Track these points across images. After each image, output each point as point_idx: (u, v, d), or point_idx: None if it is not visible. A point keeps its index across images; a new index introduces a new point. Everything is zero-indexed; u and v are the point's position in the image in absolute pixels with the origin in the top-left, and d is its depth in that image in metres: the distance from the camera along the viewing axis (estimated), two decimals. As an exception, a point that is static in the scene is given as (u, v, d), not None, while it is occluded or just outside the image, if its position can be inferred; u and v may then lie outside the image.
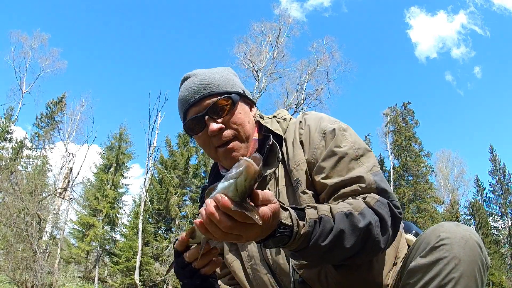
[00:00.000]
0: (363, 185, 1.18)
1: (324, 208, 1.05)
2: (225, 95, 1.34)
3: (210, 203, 0.81)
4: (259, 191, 0.86)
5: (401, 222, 1.25)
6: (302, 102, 24.68)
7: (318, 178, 1.27)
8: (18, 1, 45.65)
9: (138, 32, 55.05)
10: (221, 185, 0.83)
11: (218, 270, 1.53)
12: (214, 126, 1.31)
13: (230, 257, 1.48)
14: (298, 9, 43.29)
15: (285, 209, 0.97)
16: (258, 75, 24.23)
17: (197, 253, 1.05)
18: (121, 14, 54.04)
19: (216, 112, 1.33)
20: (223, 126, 1.33)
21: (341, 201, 1.17)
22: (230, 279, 1.53)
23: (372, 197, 1.13)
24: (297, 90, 25.14)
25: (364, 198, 1.13)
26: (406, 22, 53.63)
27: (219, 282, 1.52)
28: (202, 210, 0.83)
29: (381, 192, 1.17)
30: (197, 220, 0.86)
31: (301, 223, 0.98)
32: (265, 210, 0.85)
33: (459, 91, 52.74)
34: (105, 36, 54.21)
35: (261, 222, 0.84)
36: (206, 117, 1.32)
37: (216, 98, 1.33)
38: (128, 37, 54.75)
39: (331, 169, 1.25)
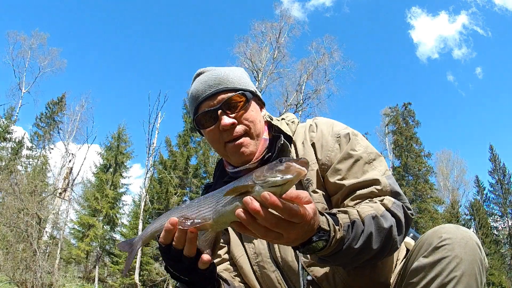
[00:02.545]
0: (378, 187, 1.23)
1: (354, 212, 1.09)
2: (240, 92, 1.36)
3: (251, 201, 0.80)
4: (294, 191, 0.87)
5: None
6: (302, 102, 24.70)
7: (333, 179, 1.31)
8: (16, 0, 45.72)
9: (138, 32, 55.16)
10: (261, 189, 0.82)
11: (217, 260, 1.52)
12: (226, 120, 1.33)
13: (237, 252, 1.48)
14: (300, 9, 43.45)
15: (321, 214, 1.00)
16: (258, 75, 24.24)
17: (184, 236, 0.96)
18: (121, 14, 54.13)
19: (230, 108, 1.35)
20: (235, 121, 1.34)
21: (358, 202, 1.22)
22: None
23: (389, 200, 1.18)
24: (296, 90, 25.15)
25: (381, 201, 1.18)
26: (407, 23, 53.77)
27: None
28: (239, 211, 0.82)
29: (395, 194, 1.23)
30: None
31: (336, 228, 1.01)
32: (307, 209, 0.87)
33: (461, 92, 52.91)
34: (105, 36, 54.29)
35: (311, 213, 0.87)
36: (219, 111, 1.34)
37: (230, 94, 1.35)
38: (128, 37, 54.85)
39: (347, 171, 1.29)
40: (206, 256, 1.00)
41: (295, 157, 1.39)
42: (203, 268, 1.03)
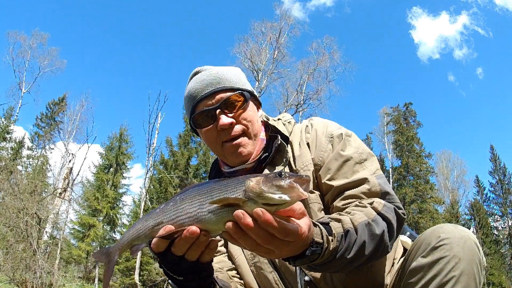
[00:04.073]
0: (367, 186, 1.22)
1: (347, 220, 1.07)
2: (238, 91, 1.36)
3: (243, 216, 0.76)
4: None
5: None
6: (302, 102, 24.68)
7: (324, 179, 1.30)
8: (16, 0, 45.71)
9: (138, 32, 55.13)
10: (254, 205, 0.76)
11: None
12: (225, 120, 1.32)
13: (235, 251, 1.47)
14: (301, 9, 43.43)
15: (315, 225, 0.97)
16: (258, 75, 24.22)
17: (187, 244, 0.88)
18: (121, 14, 54.11)
19: (228, 107, 1.34)
20: (234, 121, 1.33)
21: (348, 203, 1.20)
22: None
23: (379, 202, 1.16)
24: (297, 91, 25.13)
25: (371, 203, 1.16)
26: (408, 23, 53.65)
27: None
28: (230, 224, 0.79)
29: (384, 194, 1.22)
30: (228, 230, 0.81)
31: (330, 238, 0.99)
32: (302, 226, 0.84)
33: (461, 92, 52.91)
34: (105, 36, 54.27)
35: (306, 230, 0.84)
36: (218, 110, 1.33)
37: (229, 94, 1.34)
38: (128, 36, 54.83)
39: (336, 171, 1.29)
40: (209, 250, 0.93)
41: (292, 158, 1.39)
42: (208, 260, 0.97)
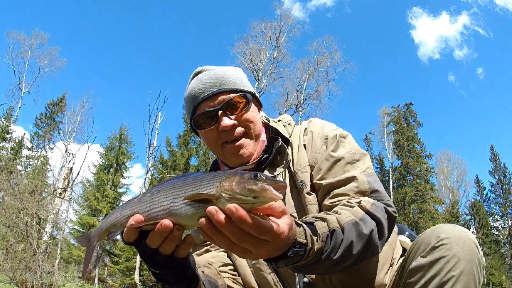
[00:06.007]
0: (355, 184, 1.21)
1: (333, 220, 1.04)
2: (240, 93, 1.36)
3: (216, 212, 0.74)
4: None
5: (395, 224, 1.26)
6: (302, 102, 24.66)
7: (315, 179, 1.31)
8: (16, 0, 45.68)
9: (138, 32, 55.11)
10: (226, 202, 0.74)
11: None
12: (227, 122, 1.32)
13: None
14: (301, 9, 43.46)
15: (298, 225, 0.94)
16: (258, 75, 24.21)
17: (160, 237, 0.86)
18: (121, 14, 54.10)
19: (230, 109, 1.34)
20: (236, 122, 1.34)
21: (336, 201, 1.20)
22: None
23: (367, 201, 1.14)
24: (297, 90, 25.12)
25: (359, 202, 1.14)
26: (408, 23, 53.69)
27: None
28: (203, 220, 0.76)
29: (374, 192, 1.21)
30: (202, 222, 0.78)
31: (314, 238, 0.96)
32: (281, 225, 0.80)
33: (462, 92, 52.91)
34: (105, 36, 54.27)
35: (286, 230, 0.81)
36: (220, 112, 1.33)
37: (232, 95, 1.34)
38: (128, 37, 54.82)
39: (327, 171, 1.29)
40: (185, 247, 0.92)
41: (291, 162, 1.39)
42: (183, 255, 0.95)
